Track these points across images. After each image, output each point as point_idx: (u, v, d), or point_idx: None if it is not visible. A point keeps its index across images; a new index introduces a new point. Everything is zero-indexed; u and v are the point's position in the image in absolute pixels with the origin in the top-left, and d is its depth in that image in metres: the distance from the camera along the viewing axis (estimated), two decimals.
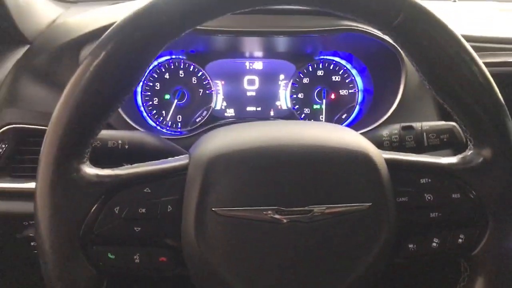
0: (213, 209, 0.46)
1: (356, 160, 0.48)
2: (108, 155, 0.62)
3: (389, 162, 0.50)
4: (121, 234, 0.47)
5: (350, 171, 0.48)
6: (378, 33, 0.84)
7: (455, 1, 1.17)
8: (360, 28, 0.84)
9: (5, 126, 0.76)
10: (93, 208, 0.46)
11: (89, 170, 0.47)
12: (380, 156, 0.50)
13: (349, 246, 0.48)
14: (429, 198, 0.51)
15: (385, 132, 0.68)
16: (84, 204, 0.46)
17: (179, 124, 0.97)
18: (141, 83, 0.96)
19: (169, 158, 0.51)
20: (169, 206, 0.48)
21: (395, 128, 0.68)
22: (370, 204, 0.48)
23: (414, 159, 0.52)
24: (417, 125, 0.67)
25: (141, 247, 0.48)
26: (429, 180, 0.51)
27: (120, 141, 0.62)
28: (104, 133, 0.62)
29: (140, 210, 0.47)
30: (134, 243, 0.48)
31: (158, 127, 0.96)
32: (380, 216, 0.48)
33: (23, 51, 0.84)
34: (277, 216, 0.46)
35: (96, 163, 0.48)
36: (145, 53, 0.44)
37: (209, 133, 0.53)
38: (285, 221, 0.46)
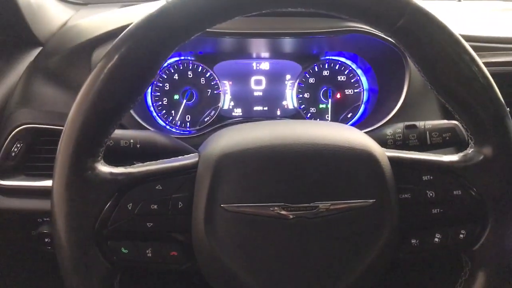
0: (222, 205, 0.47)
1: (360, 158, 0.49)
2: (121, 154, 0.63)
3: (392, 160, 0.51)
4: (134, 229, 0.48)
5: (354, 169, 0.49)
6: (382, 34, 0.83)
7: (460, 0, 1.17)
8: (365, 29, 0.85)
9: (19, 126, 0.77)
10: (108, 205, 0.47)
11: (103, 168, 0.48)
12: (383, 154, 0.51)
13: (354, 241, 0.48)
14: (431, 194, 0.51)
15: (389, 131, 0.69)
16: (99, 200, 0.47)
17: (188, 123, 0.98)
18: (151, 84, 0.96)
19: (180, 157, 0.52)
20: (179, 203, 0.49)
21: (399, 127, 0.68)
22: (374, 200, 0.48)
23: (417, 157, 0.53)
24: (420, 124, 0.67)
25: (153, 242, 0.49)
26: (431, 177, 0.51)
27: (132, 140, 0.63)
28: (117, 132, 0.63)
29: (152, 206, 0.48)
30: (146, 238, 0.49)
31: (168, 127, 0.97)
32: (384, 212, 0.49)
33: (36, 53, 0.86)
34: (283, 212, 0.47)
35: (108, 162, 0.49)
36: (156, 56, 0.46)
37: (218, 132, 0.54)
38: (291, 217, 0.47)
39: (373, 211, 0.48)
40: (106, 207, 0.47)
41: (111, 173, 0.48)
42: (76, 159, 0.45)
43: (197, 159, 0.50)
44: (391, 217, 0.49)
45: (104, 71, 0.44)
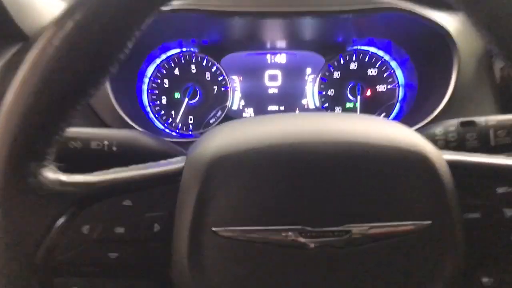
0: (213, 229, 0.39)
1: (410, 163, 0.40)
2: (91, 160, 0.56)
3: (453, 165, 0.42)
4: (92, 262, 0.41)
5: (401, 178, 0.40)
6: (423, 12, 0.77)
7: None
8: (401, 7, 0.78)
9: None
10: (55, 227, 0.40)
11: (51, 175, 0.40)
12: (441, 157, 0.42)
13: (400, 280, 0.40)
14: (509, 214, 0.43)
15: (438, 129, 0.62)
16: (43, 220, 0.40)
17: (190, 126, 0.94)
18: (147, 80, 0.93)
19: (160, 161, 0.45)
20: (155, 225, 0.42)
21: (452, 124, 0.61)
22: (430, 222, 0.40)
23: (488, 161, 0.44)
24: (480, 120, 0.60)
25: (118, 280, 0.42)
26: (510, 190, 0.43)
27: (106, 142, 0.57)
28: (87, 131, 0.57)
29: (117, 230, 0.41)
30: (108, 274, 0.42)
31: (167, 130, 0.94)
32: (443, 239, 0.41)
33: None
34: (301, 239, 0.39)
35: (74, 170, 0.42)
36: (127, 23, 0.37)
37: (213, 129, 0.46)
38: (312, 245, 0.39)
39: (428, 237, 0.40)
40: (53, 229, 0.40)
41: (61, 183, 0.40)
42: (13, 162, 0.38)
43: (182, 164, 0.42)
44: (453, 245, 0.41)
45: (53, 43, 0.36)
